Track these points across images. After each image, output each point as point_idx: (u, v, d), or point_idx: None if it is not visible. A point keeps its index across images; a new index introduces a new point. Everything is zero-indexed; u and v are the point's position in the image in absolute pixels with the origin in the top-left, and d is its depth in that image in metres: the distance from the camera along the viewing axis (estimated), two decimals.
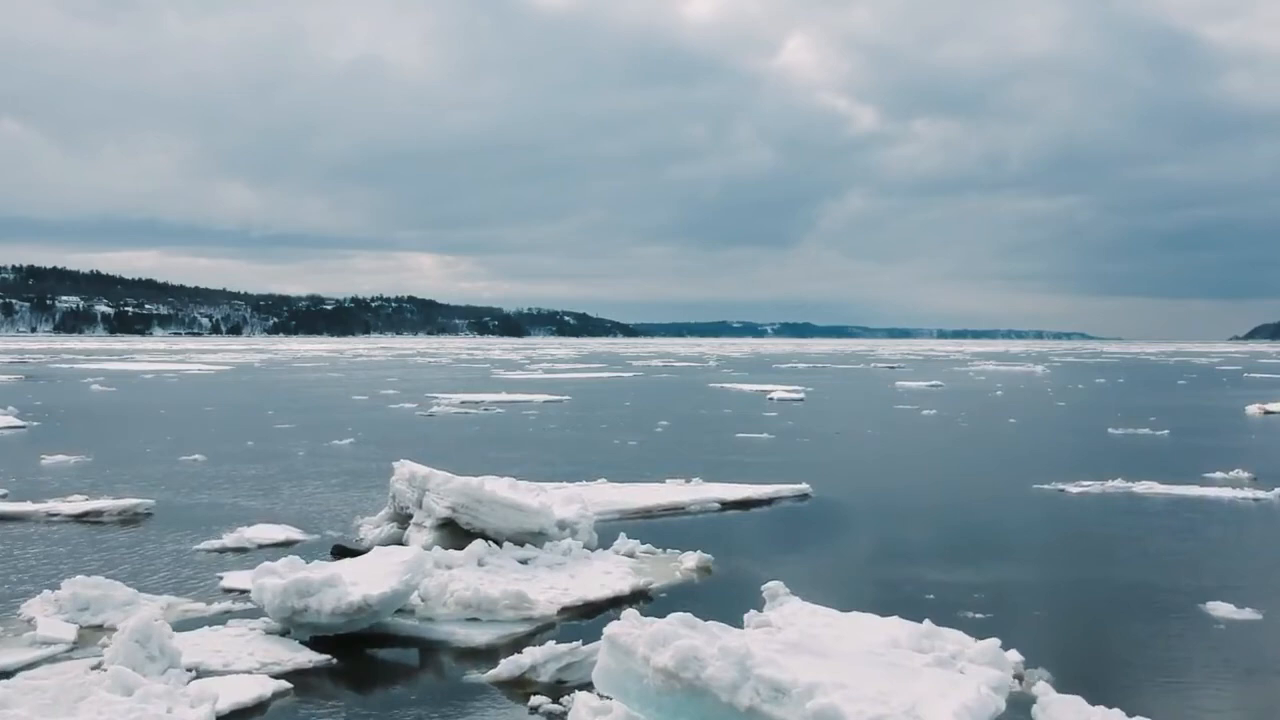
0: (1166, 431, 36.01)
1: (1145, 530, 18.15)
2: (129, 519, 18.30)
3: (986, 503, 21.32)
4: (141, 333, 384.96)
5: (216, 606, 12.47)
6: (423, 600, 11.88)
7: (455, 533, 14.43)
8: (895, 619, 10.50)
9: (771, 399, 53.55)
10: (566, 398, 53.07)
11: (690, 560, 14.64)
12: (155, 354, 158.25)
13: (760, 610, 11.18)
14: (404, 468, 15.61)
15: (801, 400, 53.40)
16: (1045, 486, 22.70)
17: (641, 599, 12.97)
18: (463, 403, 48.32)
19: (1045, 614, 12.93)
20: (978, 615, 12.20)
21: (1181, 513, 19.81)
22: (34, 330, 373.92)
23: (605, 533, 16.10)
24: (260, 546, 15.81)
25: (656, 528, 17.79)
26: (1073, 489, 22.33)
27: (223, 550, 15.68)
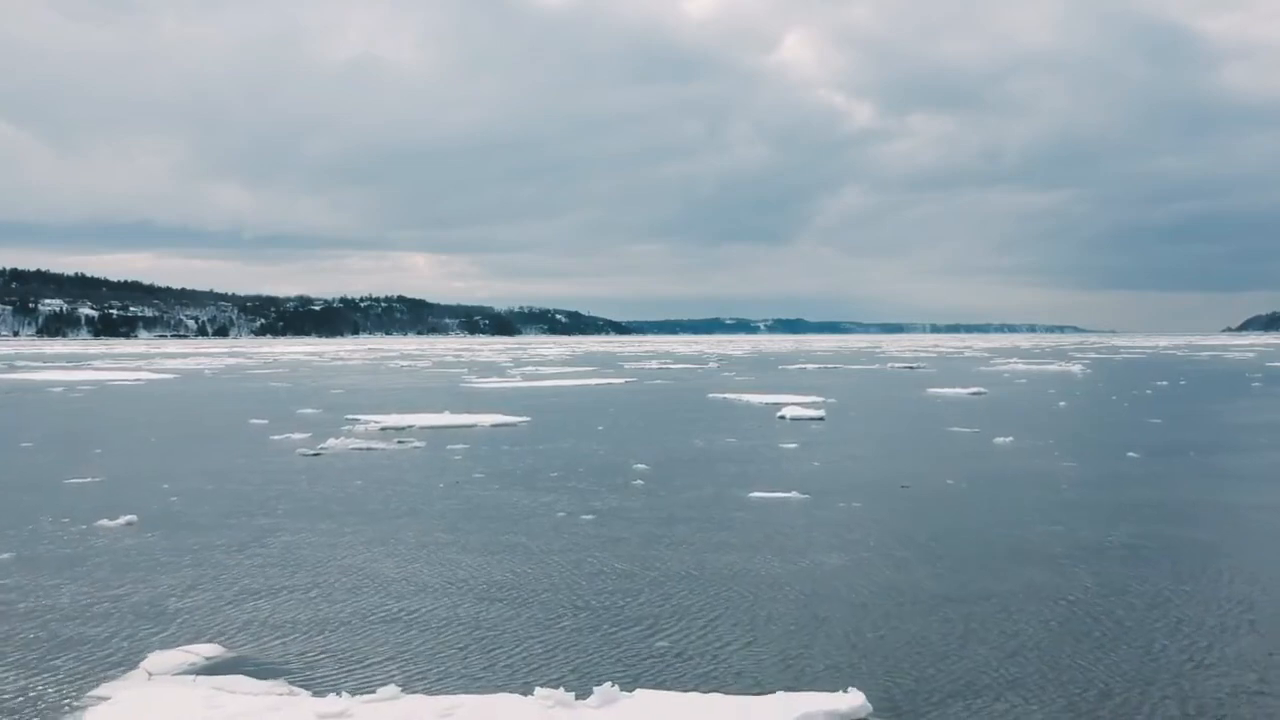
0: None
1: None
2: None
3: None
4: (127, 335, 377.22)
5: None
6: None
7: None
8: None
9: (785, 418, 42.19)
10: (524, 420, 41.72)
11: None
12: (120, 359, 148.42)
13: None
14: None
15: (822, 419, 42.08)
16: None
17: None
18: (382, 430, 37.00)
19: None
20: None
21: None
22: (16, 334, 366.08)
23: None
24: None
25: None
26: None
27: None
